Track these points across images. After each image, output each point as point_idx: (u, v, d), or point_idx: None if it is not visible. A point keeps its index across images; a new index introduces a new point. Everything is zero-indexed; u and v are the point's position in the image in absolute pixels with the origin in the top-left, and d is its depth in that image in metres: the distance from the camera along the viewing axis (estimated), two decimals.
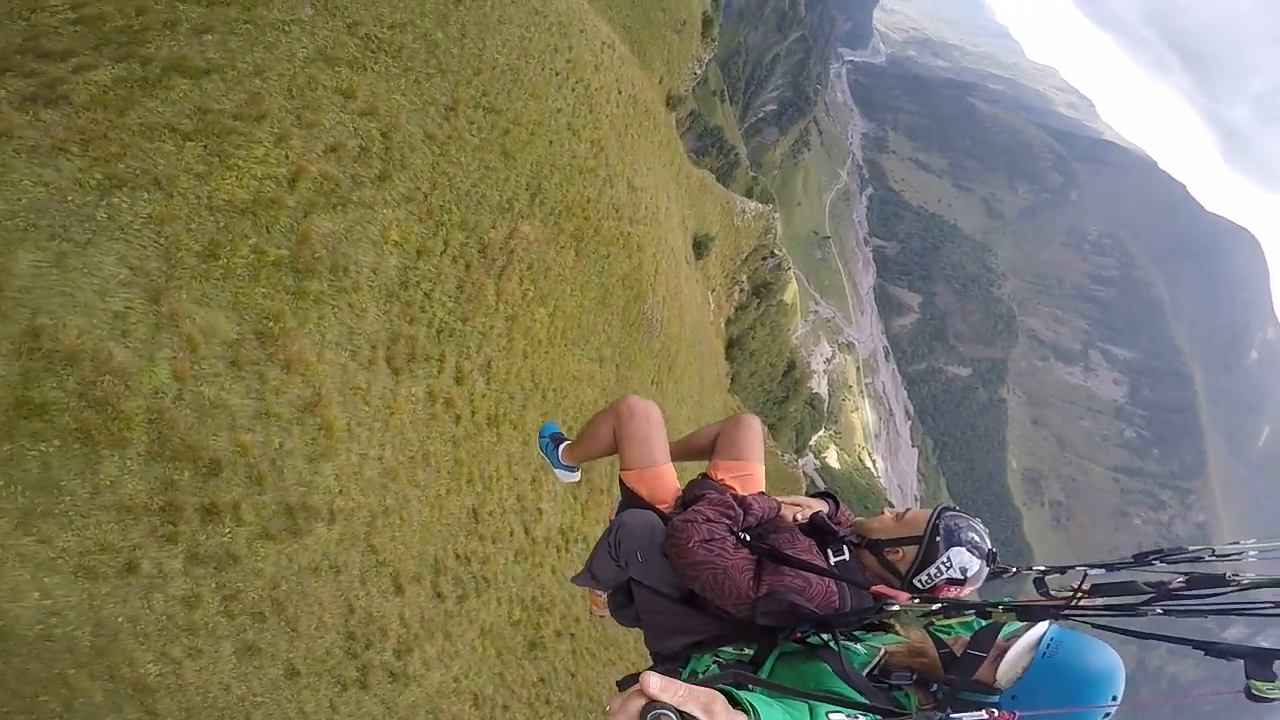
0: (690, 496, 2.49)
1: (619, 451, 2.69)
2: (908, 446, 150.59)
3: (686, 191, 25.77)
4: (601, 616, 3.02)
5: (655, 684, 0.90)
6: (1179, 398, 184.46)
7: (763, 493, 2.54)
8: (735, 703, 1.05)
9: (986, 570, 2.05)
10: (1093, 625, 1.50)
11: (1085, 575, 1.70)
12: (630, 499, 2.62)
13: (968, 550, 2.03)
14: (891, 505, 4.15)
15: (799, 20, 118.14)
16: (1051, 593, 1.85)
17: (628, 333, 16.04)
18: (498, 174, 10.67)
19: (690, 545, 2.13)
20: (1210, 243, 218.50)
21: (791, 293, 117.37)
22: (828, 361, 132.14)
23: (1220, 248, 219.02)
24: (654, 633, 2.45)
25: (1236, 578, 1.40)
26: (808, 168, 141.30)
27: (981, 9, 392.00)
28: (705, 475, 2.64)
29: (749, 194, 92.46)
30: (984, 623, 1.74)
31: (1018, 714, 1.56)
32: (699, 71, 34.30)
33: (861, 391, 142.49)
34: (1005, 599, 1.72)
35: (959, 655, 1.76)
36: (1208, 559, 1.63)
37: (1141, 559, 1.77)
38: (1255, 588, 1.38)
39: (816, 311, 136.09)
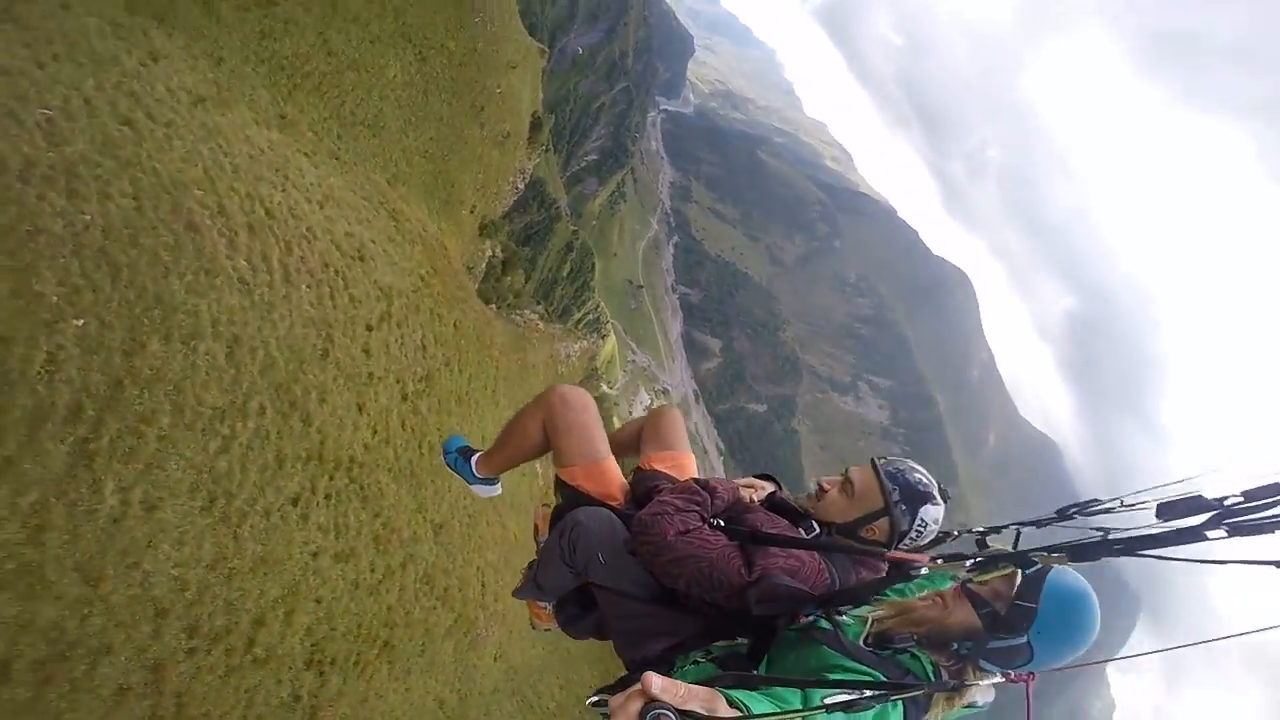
0: (642, 490, 2.37)
1: (555, 448, 2.48)
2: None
3: (499, 374, 19.64)
4: (546, 631, 2.75)
5: (656, 684, 0.90)
6: (927, 417, 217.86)
7: (712, 477, 2.34)
8: (730, 702, 1.05)
9: (944, 508, 2.10)
10: (1164, 558, 1.42)
11: (1019, 531, 1.91)
12: (575, 498, 2.40)
13: (930, 502, 2.06)
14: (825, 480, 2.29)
15: (626, 71, 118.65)
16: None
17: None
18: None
19: (668, 539, 2.00)
20: (937, 283, 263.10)
21: (610, 347, 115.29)
22: (645, 409, 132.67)
23: (945, 287, 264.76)
24: (627, 639, 2.21)
25: None
26: (623, 217, 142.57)
27: (775, 66, 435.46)
28: (639, 469, 2.53)
29: (569, 248, 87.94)
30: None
31: (1036, 675, 1.76)
32: (520, 185, 28.01)
33: None
34: (1045, 547, 1.64)
35: (1004, 613, 1.76)
36: (1118, 509, 1.72)
37: (1063, 513, 1.87)
38: None
39: (634, 361, 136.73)
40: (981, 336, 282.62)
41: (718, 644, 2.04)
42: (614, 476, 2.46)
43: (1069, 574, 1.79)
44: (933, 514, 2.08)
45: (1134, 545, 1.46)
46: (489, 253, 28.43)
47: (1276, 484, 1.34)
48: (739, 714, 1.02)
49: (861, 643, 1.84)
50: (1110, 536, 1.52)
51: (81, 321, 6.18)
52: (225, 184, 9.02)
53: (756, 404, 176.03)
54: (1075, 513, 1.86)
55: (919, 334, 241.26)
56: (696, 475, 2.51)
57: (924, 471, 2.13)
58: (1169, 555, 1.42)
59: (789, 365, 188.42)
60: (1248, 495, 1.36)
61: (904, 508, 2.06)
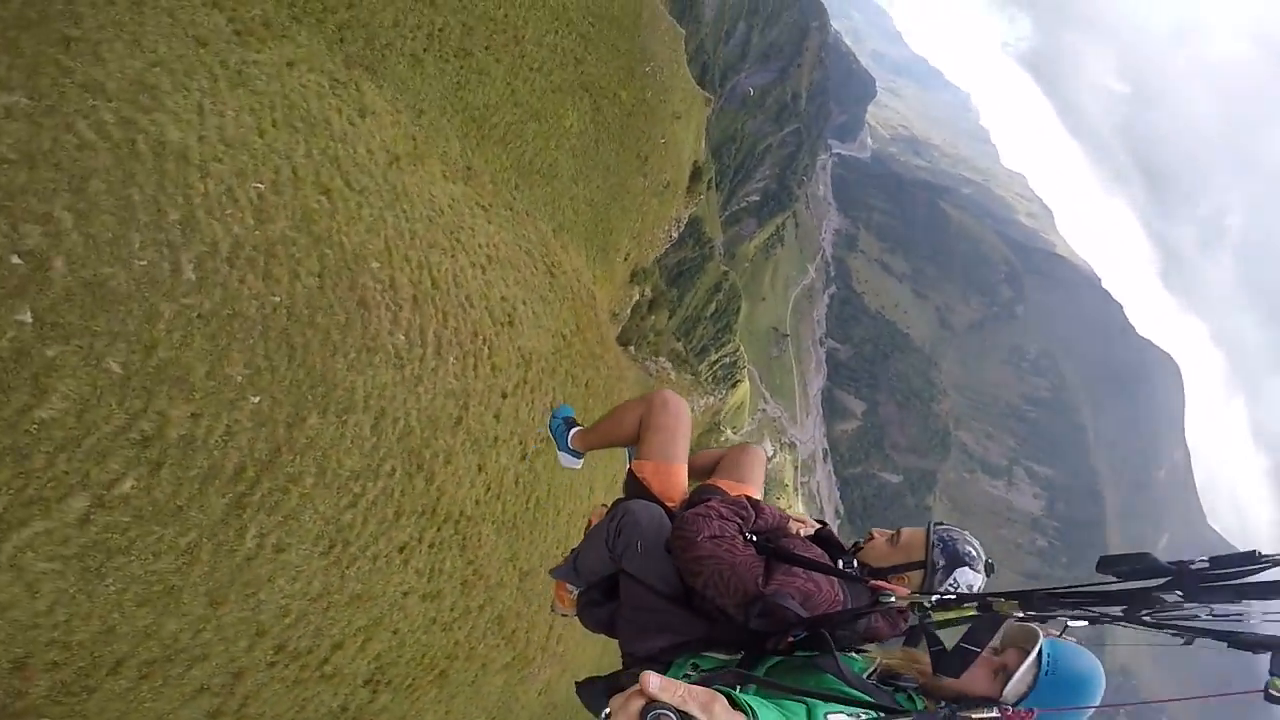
0: (698, 499, 2.47)
1: (640, 441, 2.63)
2: None
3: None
4: (564, 615, 2.90)
5: (655, 683, 0.91)
6: (1090, 513, 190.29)
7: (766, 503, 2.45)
8: (734, 703, 1.05)
9: (986, 581, 2.09)
10: (1112, 623, 1.44)
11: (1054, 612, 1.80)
12: (637, 490, 2.58)
13: (970, 567, 2.07)
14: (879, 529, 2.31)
15: (798, 113, 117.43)
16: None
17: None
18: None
19: (699, 539, 2.10)
20: (1137, 368, 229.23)
21: (742, 393, 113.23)
22: (768, 460, 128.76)
23: (1145, 373, 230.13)
24: (633, 631, 2.34)
25: (1262, 554, 1.34)
26: (779, 261, 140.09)
27: (969, 112, 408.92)
28: (705, 484, 2.68)
29: (717, 288, 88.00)
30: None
31: (1036, 711, 1.74)
32: (674, 234, 28.37)
33: (796, 490, 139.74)
34: (1005, 593, 1.67)
35: (950, 650, 1.78)
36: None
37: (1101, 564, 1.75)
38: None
39: (764, 410, 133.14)
40: (1180, 433, 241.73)
41: (709, 656, 2.10)
42: (679, 481, 2.58)
43: (1076, 658, 1.81)
44: (967, 579, 2.08)
45: (1084, 608, 1.51)
46: (635, 297, 29.03)
47: (1251, 553, 1.36)
48: (742, 717, 1.02)
49: (865, 677, 1.87)
50: (1068, 594, 1.56)
51: (258, 399, 6.92)
52: (401, 253, 9.87)
53: (891, 474, 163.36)
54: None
55: (1102, 424, 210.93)
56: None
57: (977, 544, 2.14)
58: (1126, 621, 1.45)
59: (937, 439, 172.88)
60: (1215, 561, 1.38)
61: (942, 564, 2.08)
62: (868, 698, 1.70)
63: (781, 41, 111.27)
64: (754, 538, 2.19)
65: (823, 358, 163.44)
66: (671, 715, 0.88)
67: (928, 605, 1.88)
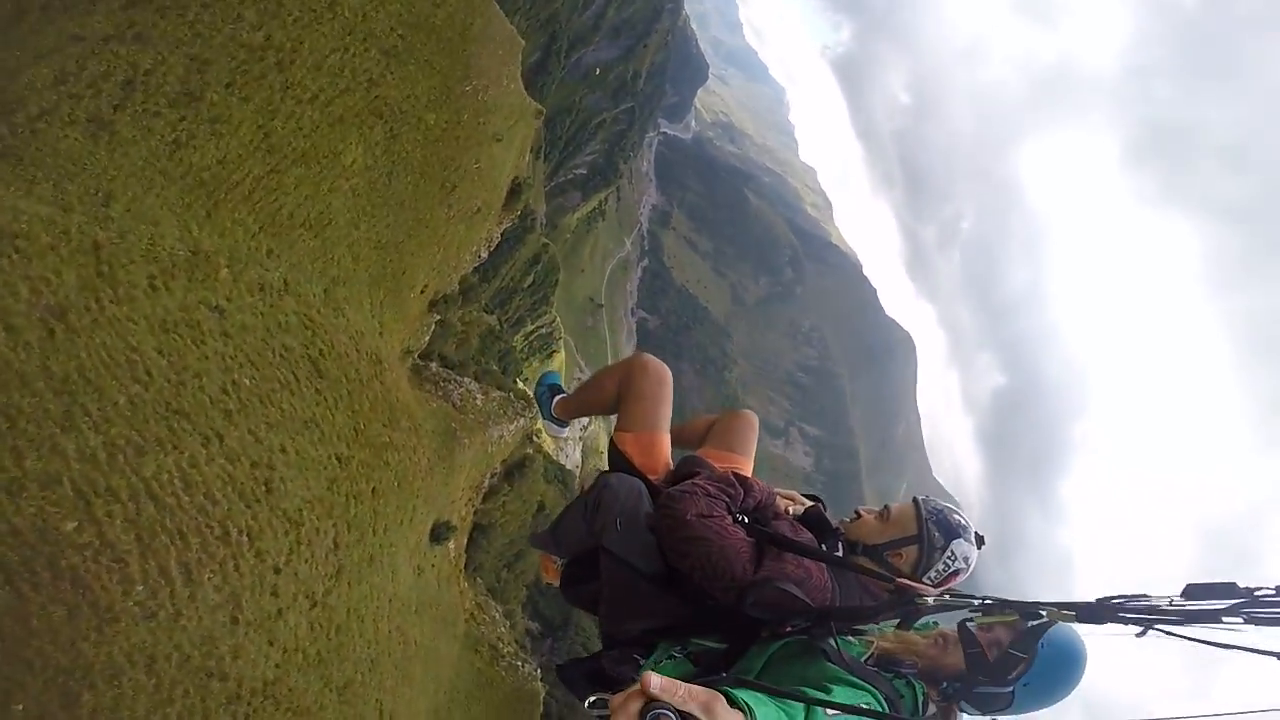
0: (684, 472, 2.41)
1: (620, 409, 2.56)
2: None
3: (419, 497, 17.75)
4: (549, 584, 2.80)
5: (656, 683, 0.91)
6: (848, 468, 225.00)
7: (755, 477, 2.42)
8: (732, 702, 1.07)
9: (977, 554, 2.09)
10: (1175, 636, 1.44)
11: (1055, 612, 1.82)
12: (619, 462, 2.47)
13: (964, 539, 2.06)
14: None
15: (635, 92, 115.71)
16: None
17: None
18: None
19: (687, 518, 2.03)
20: (884, 343, 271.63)
21: (558, 362, 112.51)
22: (584, 429, 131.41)
23: (890, 347, 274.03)
24: (615, 613, 2.25)
25: None
26: (598, 234, 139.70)
27: (781, 106, 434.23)
28: (693, 455, 2.58)
29: (536, 260, 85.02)
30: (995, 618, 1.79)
31: None
32: (484, 254, 25.71)
33: (604, 453, 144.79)
34: (1057, 603, 1.64)
35: (993, 659, 1.80)
36: (1165, 608, 1.57)
37: (1105, 603, 1.74)
38: None
39: (579, 378, 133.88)
40: (914, 399, 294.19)
41: (696, 641, 2.04)
42: (661, 452, 2.49)
43: (1070, 634, 1.83)
44: (964, 550, 2.07)
45: (1148, 617, 1.44)
46: (433, 324, 25.85)
47: None
48: (740, 716, 1.02)
49: (863, 661, 1.85)
50: (1126, 605, 1.50)
51: (20, 707, 6.55)
52: (100, 488, 7.29)
53: None
54: (1117, 602, 1.75)
55: (856, 389, 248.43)
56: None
57: (963, 515, 2.13)
58: (1179, 633, 1.41)
59: (729, 404, 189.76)
60: None
61: (937, 537, 2.05)
62: (868, 685, 1.69)
63: (635, 19, 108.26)
64: (743, 518, 2.15)
65: (634, 327, 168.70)
66: (671, 715, 0.88)
67: (972, 610, 1.82)
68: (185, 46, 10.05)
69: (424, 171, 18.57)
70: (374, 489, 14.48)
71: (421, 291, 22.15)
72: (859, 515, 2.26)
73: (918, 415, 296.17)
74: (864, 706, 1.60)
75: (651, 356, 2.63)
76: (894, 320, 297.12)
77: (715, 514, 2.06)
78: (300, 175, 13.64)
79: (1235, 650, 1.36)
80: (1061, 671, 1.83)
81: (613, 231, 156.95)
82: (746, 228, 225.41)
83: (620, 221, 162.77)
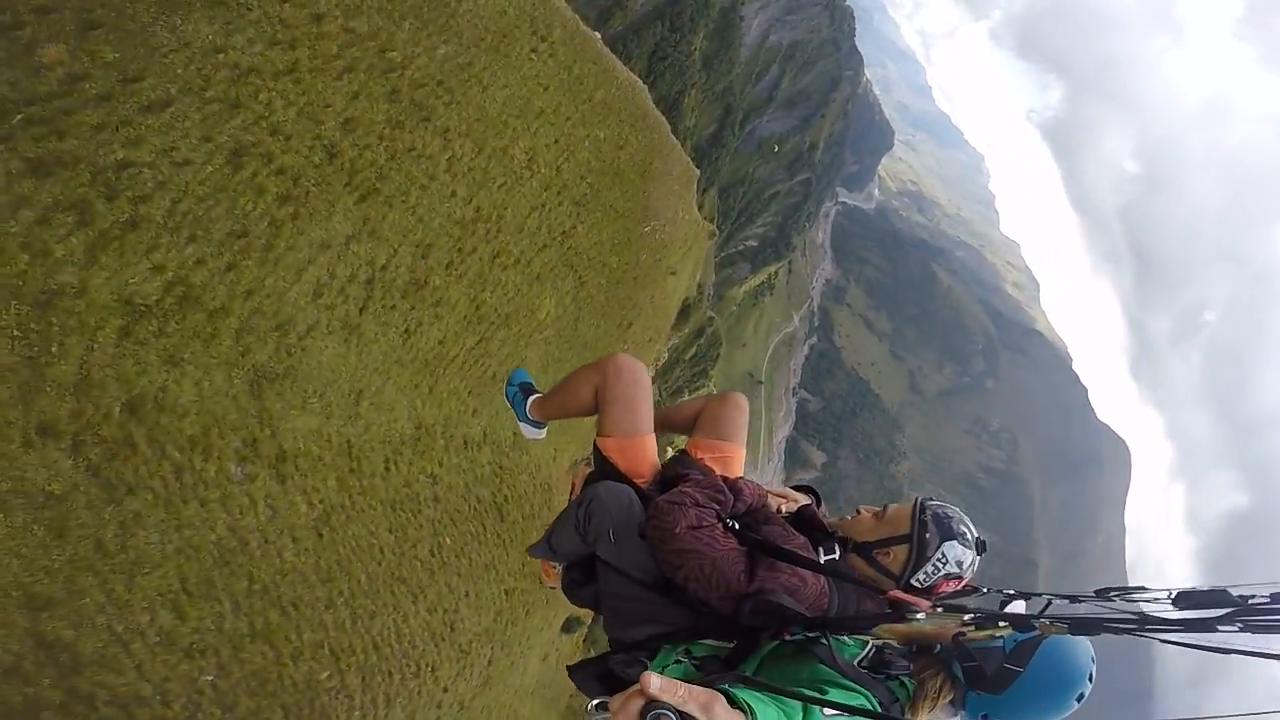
0: (671, 475, 2.39)
1: (600, 415, 2.51)
2: None
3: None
4: (553, 589, 2.79)
5: (656, 684, 0.93)
6: (1022, 579, 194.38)
7: (744, 477, 2.43)
8: (733, 702, 1.08)
9: (978, 561, 2.05)
10: (1171, 643, 1.51)
11: (1050, 601, 1.87)
12: (605, 469, 2.45)
13: (959, 542, 2.02)
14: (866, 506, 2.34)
15: (812, 163, 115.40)
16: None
17: None
18: None
19: (677, 531, 2.04)
20: (1091, 449, 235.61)
21: None
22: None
23: (1097, 455, 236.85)
24: (617, 619, 2.28)
25: None
26: (765, 308, 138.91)
27: (979, 174, 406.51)
28: (684, 452, 2.56)
29: (700, 332, 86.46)
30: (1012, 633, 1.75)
31: None
32: (658, 364, 26.23)
33: None
34: (1051, 616, 1.69)
35: (991, 673, 1.84)
36: (1162, 600, 1.68)
37: (1102, 593, 1.84)
38: None
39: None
40: (1121, 511, 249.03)
41: (701, 644, 2.05)
42: (646, 455, 2.43)
43: (1067, 648, 1.83)
44: (956, 553, 2.02)
45: (1139, 629, 1.49)
46: None
47: None
48: (741, 716, 1.04)
49: (857, 664, 1.87)
50: (1114, 615, 1.54)
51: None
52: (344, 655, 9.11)
53: None
54: (1115, 595, 1.81)
55: (1048, 497, 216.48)
56: (741, 472, 2.50)
57: (967, 522, 2.07)
58: (1172, 639, 1.46)
59: (891, 499, 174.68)
60: (1275, 597, 1.41)
61: (929, 538, 2.03)
62: (865, 693, 1.71)
63: (811, 90, 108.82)
64: (734, 525, 2.15)
65: (793, 407, 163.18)
66: (671, 715, 0.89)
67: (964, 624, 1.80)
68: (411, 234, 11.52)
69: (605, 312, 19.58)
70: (527, 611, 15.16)
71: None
72: (859, 513, 2.22)
73: (1123, 529, 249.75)
74: (864, 707, 1.64)
75: (625, 356, 2.49)
76: (1106, 425, 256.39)
77: (706, 524, 2.06)
78: (504, 337, 14.95)
79: (1233, 654, 1.38)
80: (1054, 685, 1.85)
81: (781, 305, 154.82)
82: (933, 308, 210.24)
83: (790, 295, 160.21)
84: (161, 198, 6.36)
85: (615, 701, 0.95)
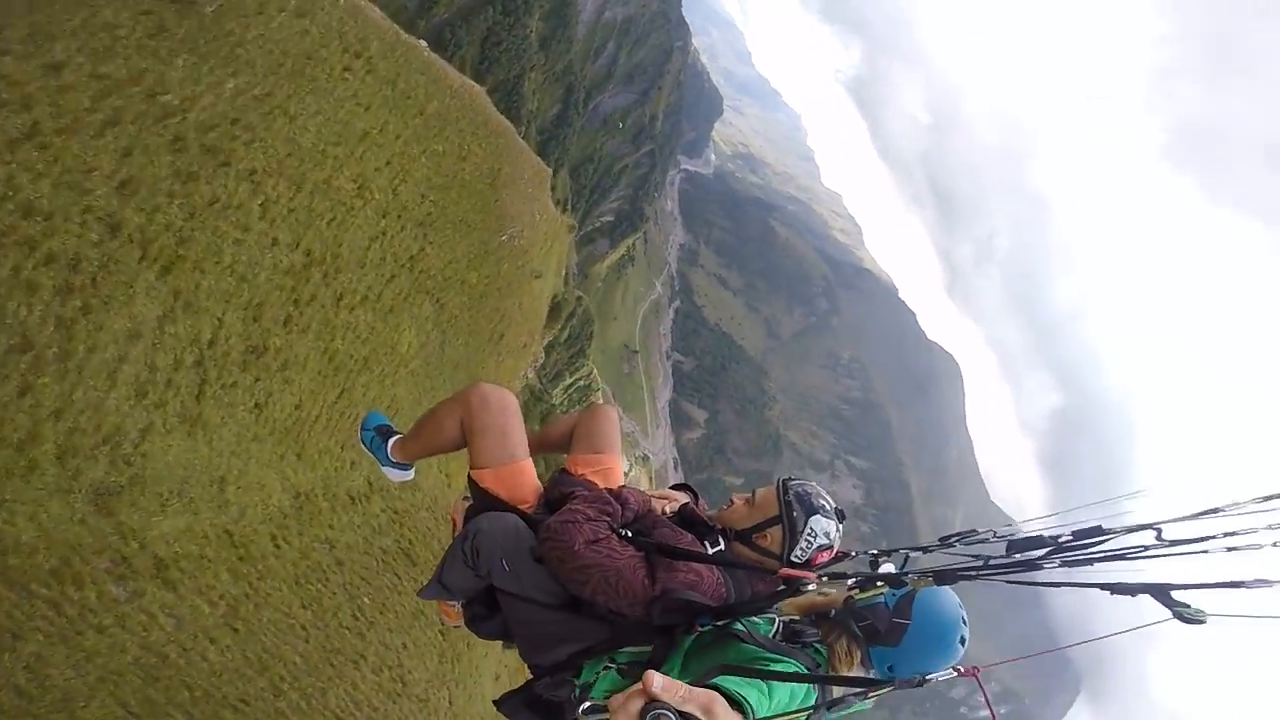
0: (556, 495, 2.37)
1: (471, 447, 2.45)
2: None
3: None
4: (455, 628, 2.76)
5: (658, 683, 0.94)
6: (900, 499, 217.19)
7: (626, 486, 2.46)
8: (733, 701, 1.10)
9: (841, 528, 2.21)
10: (1008, 582, 1.68)
11: (907, 555, 2.12)
12: (485, 501, 2.39)
13: (823, 515, 2.17)
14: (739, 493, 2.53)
15: (654, 134, 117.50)
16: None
17: None
18: None
19: (576, 548, 2.04)
20: (928, 368, 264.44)
21: None
22: (625, 476, 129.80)
23: (934, 373, 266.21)
24: (532, 645, 2.27)
25: (1112, 528, 1.60)
26: (629, 279, 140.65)
27: (798, 133, 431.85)
28: (564, 470, 2.56)
29: (571, 316, 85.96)
30: (892, 592, 1.99)
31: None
32: (530, 373, 25.69)
33: None
34: (915, 571, 1.82)
35: (884, 629, 2.04)
36: (991, 540, 1.94)
37: (945, 540, 2.06)
38: (1130, 532, 1.58)
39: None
40: (964, 424, 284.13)
41: (622, 651, 2.08)
42: (527, 480, 2.42)
43: (940, 595, 2.04)
44: (822, 525, 2.15)
45: (985, 572, 1.67)
46: None
47: (1097, 527, 1.62)
48: (740, 716, 1.04)
49: (773, 637, 2.02)
50: (965, 565, 1.71)
51: None
52: None
53: (734, 476, 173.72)
54: (956, 540, 2.03)
55: (903, 419, 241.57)
56: (621, 481, 2.55)
57: (825, 495, 2.22)
58: (1014, 579, 1.65)
59: (770, 442, 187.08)
60: (1076, 535, 1.63)
61: (796, 516, 2.13)
62: (793, 661, 1.83)
63: (647, 63, 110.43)
64: (627, 533, 2.17)
65: (669, 370, 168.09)
66: (671, 715, 0.90)
67: (850, 590, 1.90)
68: (235, 298, 10.03)
69: (472, 330, 18.62)
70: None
71: None
72: (733, 502, 2.30)
73: (970, 440, 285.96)
74: (804, 671, 1.76)
75: (488, 385, 2.49)
76: (937, 344, 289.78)
77: (602, 536, 2.09)
78: (366, 381, 13.67)
79: (1056, 587, 1.59)
80: (938, 630, 2.05)
81: (642, 275, 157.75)
82: (776, 260, 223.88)
83: (649, 264, 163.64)
84: None
85: (615, 700, 0.95)
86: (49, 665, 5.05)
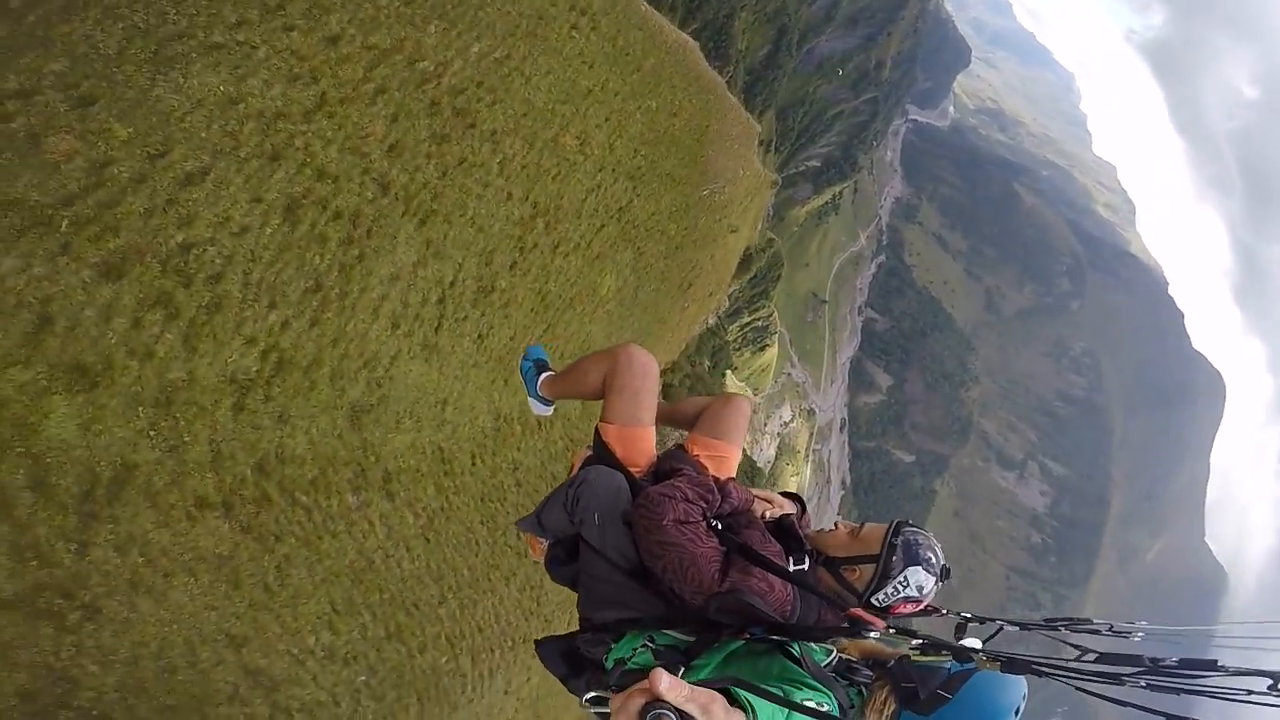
0: (665, 468, 2.46)
1: (605, 401, 2.55)
2: (833, 514, 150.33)
3: None
4: (536, 562, 2.88)
5: (665, 684, 0.94)
6: (1092, 518, 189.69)
7: (734, 479, 2.49)
8: (733, 700, 1.11)
9: (939, 587, 2.14)
10: (1076, 688, 1.63)
11: (1001, 627, 2.02)
12: (602, 454, 2.50)
13: (924, 569, 2.10)
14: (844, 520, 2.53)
15: (879, 82, 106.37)
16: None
17: None
18: None
19: (664, 522, 2.10)
20: (1182, 380, 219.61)
21: (769, 357, 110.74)
22: (784, 425, 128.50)
23: (1189, 389, 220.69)
24: (590, 599, 2.35)
25: (1224, 665, 1.51)
26: (829, 228, 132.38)
27: (1070, 94, 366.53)
28: (681, 448, 2.60)
29: (763, 250, 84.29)
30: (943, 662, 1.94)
31: None
32: (712, 320, 26.42)
33: (807, 456, 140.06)
34: (985, 650, 1.79)
35: (924, 695, 1.93)
36: (1105, 633, 1.86)
37: (1050, 622, 1.99)
38: (1240, 675, 1.50)
39: (789, 374, 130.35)
40: (1207, 451, 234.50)
41: (665, 633, 2.11)
42: (643, 446, 2.49)
43: (997, 682, 1.87)
44: (919, 579, 2.10)
45: (1059, 673, 1.61)
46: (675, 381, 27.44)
47: (1213, 661, 1.50)
48: (742, 715, 1.06)
49: (823, 668, 1.96)
50: (1043, 659, 1.63)
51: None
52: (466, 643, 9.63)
53: (905, 452, 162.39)
54: (1062, 625, 1.94)
55: (1130, 430, 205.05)
56: (734, 473, 2.56)
57: (937, 548, 2.16)
58: (1085, 689, 1.60)
59: (959, 425, 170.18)
60: (1183, 662, 1.53)
61: (895, 561, 2.10)
62: (824, 688, 1.79)
63: (875, 7, 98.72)
64: (717, 524, 2.19)
65: (858, 326, 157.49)
66: (671, 715, 0.90)
67: (910, 649, 1.94)
68: (473, 245, 11.70)
69: (664, 277, 19.54)
70: None
71: (663, 370, 23.75)
72: (836, 528, 2.29)
73: (1207, 472, 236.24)
74: (826, 710, 1.70)
75: (638, 348, 2.52)
76: (1202, 354, 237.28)
77: (692, 520, 2.13)
78: (569, 319, 15.27)
79: (1130, 707, 1.51)
80: (975, 715, 1.92)
81: (847, 225, 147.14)
82: (1013, 228, 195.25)
83: (856, 215, 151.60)
84: (233, 272, 6.63)
85: (615, 701, 0.97)
86: (292, 565, 6.82)
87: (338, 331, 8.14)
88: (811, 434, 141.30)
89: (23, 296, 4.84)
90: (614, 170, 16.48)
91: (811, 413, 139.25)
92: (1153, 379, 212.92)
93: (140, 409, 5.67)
